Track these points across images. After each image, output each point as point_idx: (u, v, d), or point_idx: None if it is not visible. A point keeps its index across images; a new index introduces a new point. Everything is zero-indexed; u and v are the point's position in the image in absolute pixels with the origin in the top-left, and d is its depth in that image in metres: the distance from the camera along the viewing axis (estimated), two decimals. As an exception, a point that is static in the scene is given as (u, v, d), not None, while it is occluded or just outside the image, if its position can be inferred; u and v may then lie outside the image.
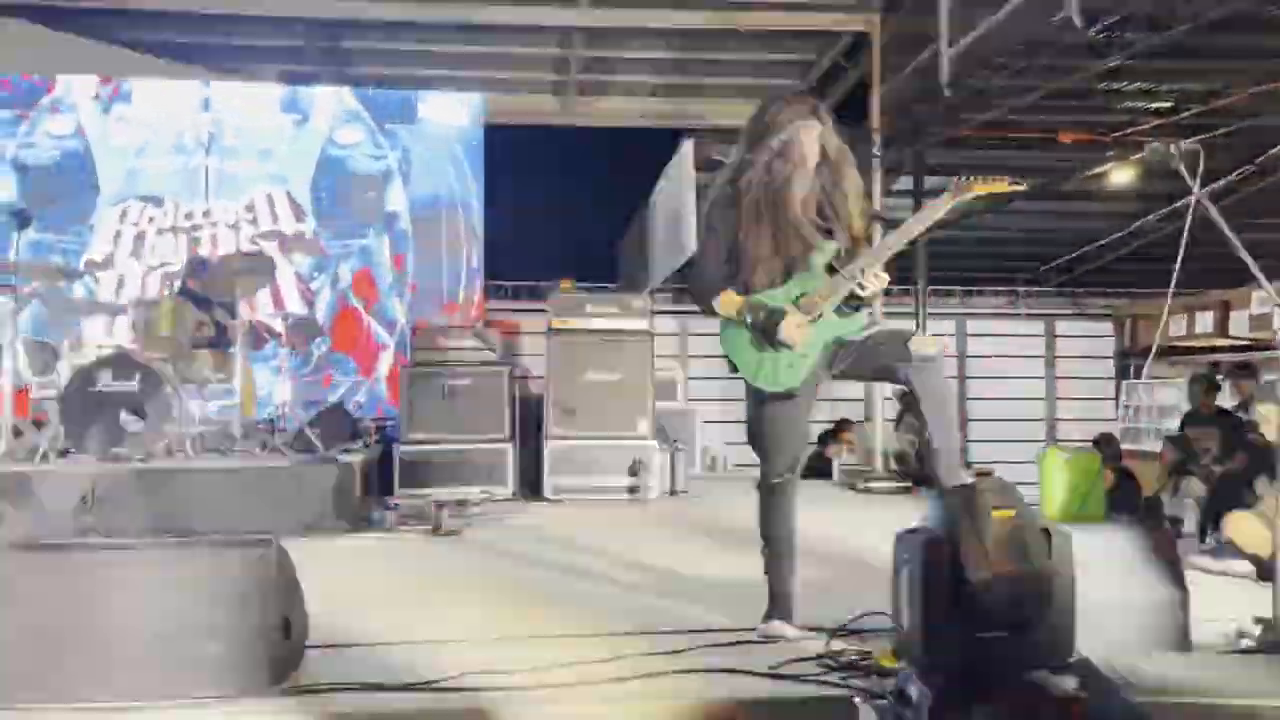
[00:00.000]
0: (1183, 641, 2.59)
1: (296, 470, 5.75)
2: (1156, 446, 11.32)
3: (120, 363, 5.90)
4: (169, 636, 2.48)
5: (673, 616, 3.46)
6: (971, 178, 3.09)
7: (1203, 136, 8.53)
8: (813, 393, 3.28)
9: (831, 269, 3.17)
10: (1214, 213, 3.08)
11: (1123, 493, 7.25)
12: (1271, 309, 10.58)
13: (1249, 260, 3.03)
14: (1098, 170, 9.76)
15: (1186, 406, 12.03)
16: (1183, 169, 3.10)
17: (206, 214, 8.99)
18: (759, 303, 3.16)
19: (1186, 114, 8.66)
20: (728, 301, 3.20)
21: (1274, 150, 9.08)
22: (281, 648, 2.57)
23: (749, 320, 3.15)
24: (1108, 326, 14.37)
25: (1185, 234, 3.05)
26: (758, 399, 3.24)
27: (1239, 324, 11.17)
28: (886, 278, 3.04)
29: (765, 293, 3.17)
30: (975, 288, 13.86)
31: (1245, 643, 2.86)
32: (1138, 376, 13.96)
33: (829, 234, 3.23)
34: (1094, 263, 13.48)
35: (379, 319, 9.19)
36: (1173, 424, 12.31)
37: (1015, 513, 2.27)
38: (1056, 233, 12.79)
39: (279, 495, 5.55)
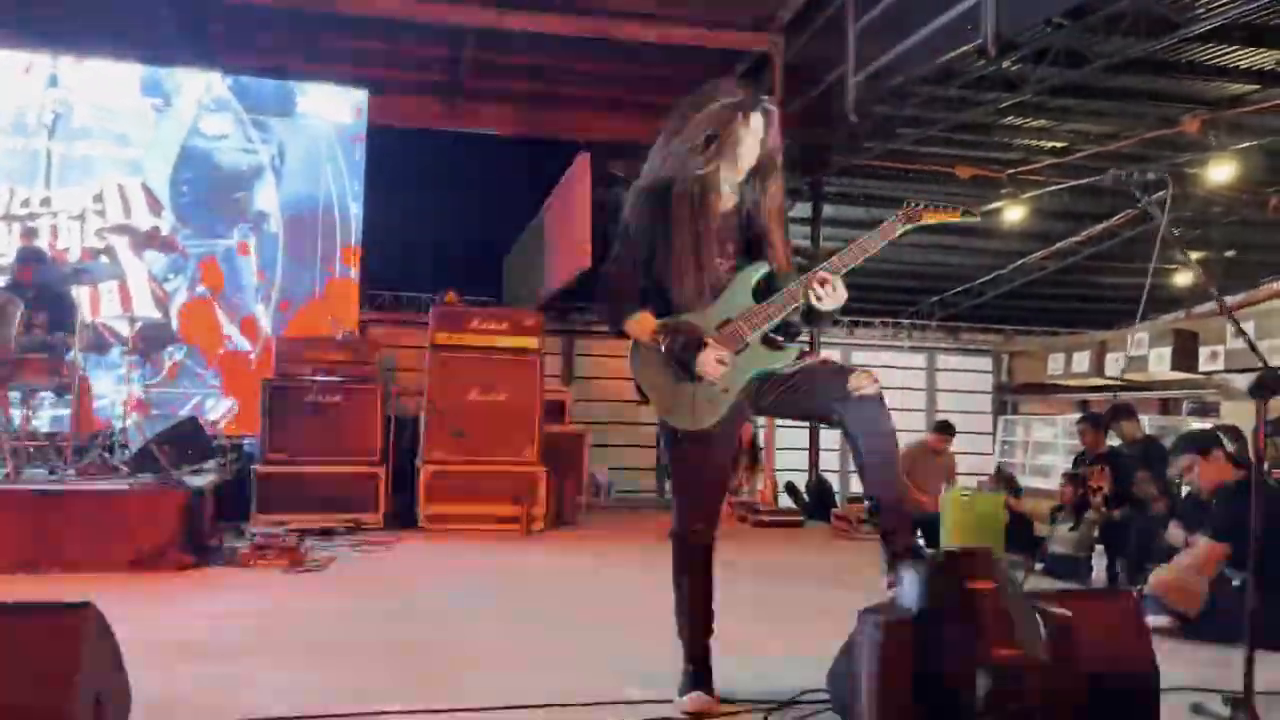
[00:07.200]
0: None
1: (137, 493, 5.10)
2: (1032, 482, 11.53)
3: (-70, 365, 5.15)
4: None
5: (576, 682, 3.01)
6: (922, 205, 2.77)
7: (1091, 179, 8.67)
8: (733, 431, 2.91)
9: (759, 294, 2.78)
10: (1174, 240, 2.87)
11: (1018, 530, 7.17)
12: (1147, 352, 10.86)
13: (1210, 284, 2.82)
14: (992, 206, 9.81)
15: (1060, 442, 12.33)
16: (1148, 198, 2.88)
17: (46, 202, 8.04)
18: (678, 326, 2.74)
19: (1079, 155, 8.75)
20: (642, 323, 2.76)
21: (1155, 196, 9.22)
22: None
23: (663, 347, 2.73)
24: (987, 362, 14.62)
25: (1153, 260, 2.84)
26: (672, 438, 2.83)
27: (1114, 365, 11.42)
28: (844, 293, 2.66)
29: (685, 315, 2.76)
30: (862, 319, 13.89)
31: (1206, 720, 2.61)
32: (1014, 412, 14.25)
33: (755, 252, 2.84)
34: (976, 299, 13.68)
35: (237, 321, 8.38)
36: (1047, 460, 12.58)
37: (997, 586, 1.93)
38: (941, 267, 12.90)
39: (116, 522, 4.90)
